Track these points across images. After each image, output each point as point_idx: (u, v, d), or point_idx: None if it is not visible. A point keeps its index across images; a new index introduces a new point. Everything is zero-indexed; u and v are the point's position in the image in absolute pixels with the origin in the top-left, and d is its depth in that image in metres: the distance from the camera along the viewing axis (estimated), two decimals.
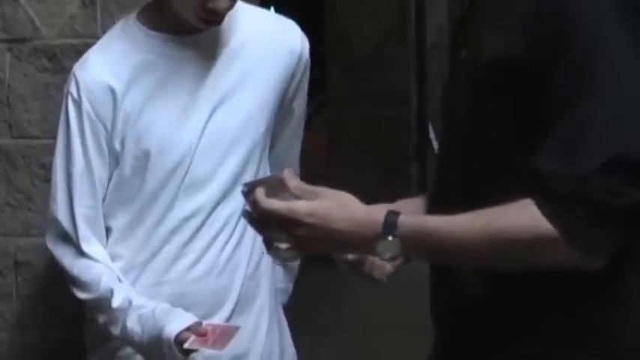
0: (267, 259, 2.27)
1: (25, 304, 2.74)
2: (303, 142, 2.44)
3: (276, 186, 1.63)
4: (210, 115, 2.16)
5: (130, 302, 2.12)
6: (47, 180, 2.54)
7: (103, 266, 2.16)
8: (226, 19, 2.14)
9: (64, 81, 2.29)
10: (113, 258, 2.19)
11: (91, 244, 2.17)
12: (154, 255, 2.18)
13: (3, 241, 2.75)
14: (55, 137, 2.25)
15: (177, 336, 2.04)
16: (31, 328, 2.74)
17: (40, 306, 2.73)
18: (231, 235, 2.20)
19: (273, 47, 2.23)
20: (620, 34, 1.51)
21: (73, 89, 2.16)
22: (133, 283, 2.18)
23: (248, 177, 2.18)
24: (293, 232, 1.59)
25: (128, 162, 2.16)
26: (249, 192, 1.64)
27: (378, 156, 6.09)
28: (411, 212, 1.70)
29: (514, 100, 1.57)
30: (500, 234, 1.53)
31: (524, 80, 1.55)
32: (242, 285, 2.22)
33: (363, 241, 1.58)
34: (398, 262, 1.77)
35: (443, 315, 1.73)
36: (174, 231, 2.17)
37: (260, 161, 2.23)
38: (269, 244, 1.65)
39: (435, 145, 5.62)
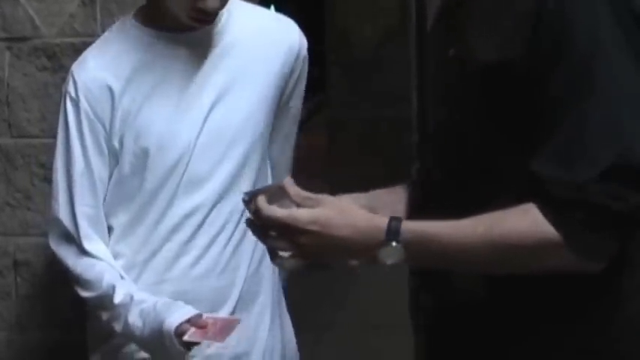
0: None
1: (24, 304, 2.74)
2: (303, 142, 2.44)
3: (277, 194, 1.63)
4: (209, 112, 2.16)
5: (132, 297, 2.12)
6: (47, 179, 2.54)
7: (105, 264, 2.17)
8: (224, 17, 2.15)
9: (64, 80, 2.29)
10: (115, 256, 2.20)
11: (92, 242, 2.17)
12: (154, 253, 2.18)
13: (2, 241, 2.74)
14: (54, 136, 2.25)
15: (177, 328, 2.04)
16: (31, 327, 2.74)
17: (39, 306, 2.72)
18: (233, 233, 2.20)
19: (272, 45, 2.23)
20: (616, 38, 1.52)
21: (71, 89, 2.17)
22: (135, 282, 2.18)
23: (248, 174, 2.19)
24: (295, 239, 1.59)
25: (127, 160, 2.16)
26: (250, 200, 1.64)
27: (378, 156, 6.09)
28: (391, 203, 1.74)
29: (509, 101, 1.57)
30: (502, 239, 1.53)
31: (520, 81, 1.55)
32: (244, 283, 2.22)
33: (366, 248, 1.57)
34: None
35: (432, 319, 1.73)
36: (175, 229, 2.17)
37: (260, 158, 2.23)
38: (273, 254, 1.65)
39: None
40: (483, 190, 1.61)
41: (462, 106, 1.64)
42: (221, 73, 2.17)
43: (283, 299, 2.38)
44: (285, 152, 2.38)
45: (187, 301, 2.13)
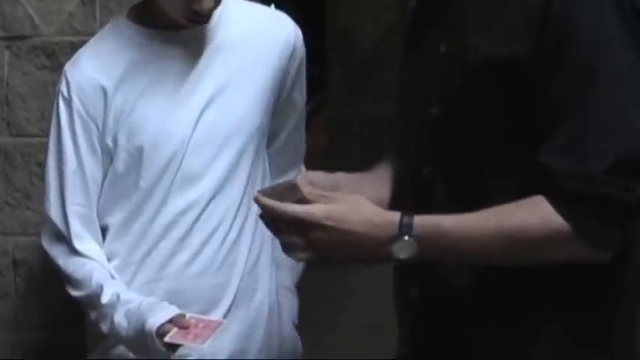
0: (267, 255, 2.27)
1: (23, 303, 2.74)
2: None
3: (288, 191, 1.65)
4: (203, 110, 2.16)
5: (118, 297, 2.12)
6: None
7: (95, 264, 2.17)
8: (217, 14, 2.15)
9: None
10: (111, 255, 2.20)
11: (83, 241, 2.18)
12: (150, 251, 2.18)
13: (1, 240, 2.74)
14: None
15: (159, 328, 2.03)
16: (30, 327, 2.74)
17: (38, 305, 2.72)
18: (229, 231, 2.19)
19: (266, 40, 2.23)
20: (622, 38, 1.55)
21: (63, 88, 2.18)
22: (131, 280, 2.18)
23: (243, 172, 2.19)
24: (309, 235, 1.61)
25: (121, 158, 2.16)
26: (262, 197, 1.65)
27: (378, 155, 6.07)
28: (373, 180, 1.81)
29: (513, 96, 1.59)
30: (514, 232, 1.56)
31: (525, 77, 1.57)
32: (240, 281, 2.22)
33: (379, 243, 1.59)
34: None
35: (419, 313, 1.75)
36: (170, 226, 2.17)
37: (256, 155, 2.22)
38: (287, 247, 1.67)
39: None
40: (481, 186, 1.64)
41: (458, 103, 1.65)
42: (216, 70, 2.17)
43: (293, 299, 2.38)
44: (293, 148, 2.37)
45: (184, 299, 2.13)
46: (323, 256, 1.65)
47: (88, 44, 2.25)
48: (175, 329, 2.02)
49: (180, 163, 2.15)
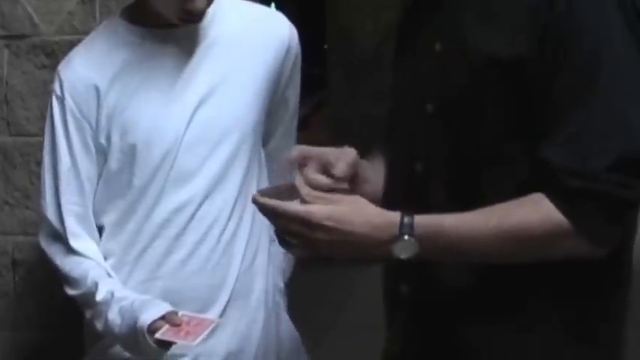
0: (264, 255, 2.27)
1: (22, 303, 2.73)
2: (304, 141, 2.42)
3: (287, 192, 1.65)
4: (197, 108, 2.16)
5: (113, 294, 2.12)
6: None
7: (92, 262, 2.17)
8: (210, 12, 2.15)
9: None
10: (106, 254, 2.20)
11: (80, 240, 2.18)
12: (145, 250, 2.18)
13: (1, 240, 2.74)
14: None
15: (151, 325, 2.02)
16: (29, 326, 2.74)
17: (37, 304, 2.72)
18: (224, 230, 2.19)
19: (261, 38, 2.23)
20: (626, 39, 1.56)
21: (57, 88, 2.18)
22: (126, 279, 2.18)
23: (237, 170, 2.19)
24: (309, 235, 1.61)
25: (115, 157, 2.16)
26: (260, 197, 1.65)
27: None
28: (369, 169, 1.81)
29: (514, 93, 1.59)
30: (515, 231, 1.57)
31: (528, 75, 1.57)
32: (236, 280, 2.21)
33: (380, 244, 1.59)
34: None
35: (411, 312, 1.76)
36: (164, 225, 2.17)
37: (251, 153, 2.22)
38: (283, 240, 1.67)
39: None
40: (479, 183, 1.64)
41: (456, 100, 1.66)
42: (209, 68, 2.17)
43: (282, 300, 2.37)
44: (287, 147, 2.37)
45: (179, 299, 2.13)
46: (323, 255, 1.65)
47: (80, 44, 2.25)
48: (167, 326, 2.01)
49: (174, 161, 2.15)
